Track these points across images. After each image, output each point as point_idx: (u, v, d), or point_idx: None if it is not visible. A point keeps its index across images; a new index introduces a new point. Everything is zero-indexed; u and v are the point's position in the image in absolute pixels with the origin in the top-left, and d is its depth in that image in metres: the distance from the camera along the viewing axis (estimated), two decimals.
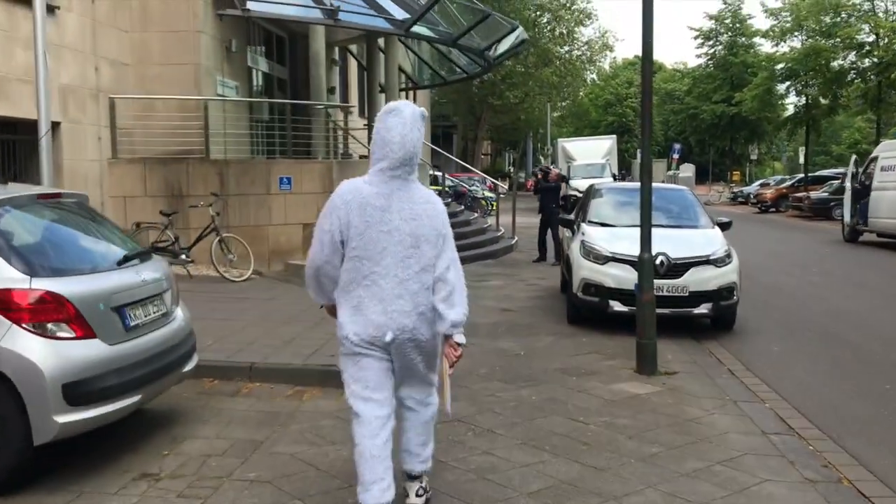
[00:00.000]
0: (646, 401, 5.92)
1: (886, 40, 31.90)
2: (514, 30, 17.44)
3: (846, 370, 7.23)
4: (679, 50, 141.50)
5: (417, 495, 3.87)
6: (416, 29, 15.48)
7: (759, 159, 61.17)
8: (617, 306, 8.29)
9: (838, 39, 33.56)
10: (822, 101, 36.70)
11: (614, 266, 8.36)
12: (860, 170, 20.17)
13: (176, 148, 12.02)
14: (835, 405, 6.13)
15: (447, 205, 17.25)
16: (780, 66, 39.33)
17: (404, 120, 3.51)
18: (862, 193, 19.27)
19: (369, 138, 16.44)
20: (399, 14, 15.23)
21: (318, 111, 14.09)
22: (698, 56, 59.84)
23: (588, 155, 37.31)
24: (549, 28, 42.71)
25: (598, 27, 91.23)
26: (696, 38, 57.36)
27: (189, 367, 5.13)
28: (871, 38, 33.60)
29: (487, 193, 27.21)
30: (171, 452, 4.69)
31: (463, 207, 19.72)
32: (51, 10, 10.55)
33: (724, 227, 9.46)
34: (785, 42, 38.79)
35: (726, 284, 8.39)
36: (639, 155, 45.15)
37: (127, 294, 4.50)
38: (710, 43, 56.99)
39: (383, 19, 14.93)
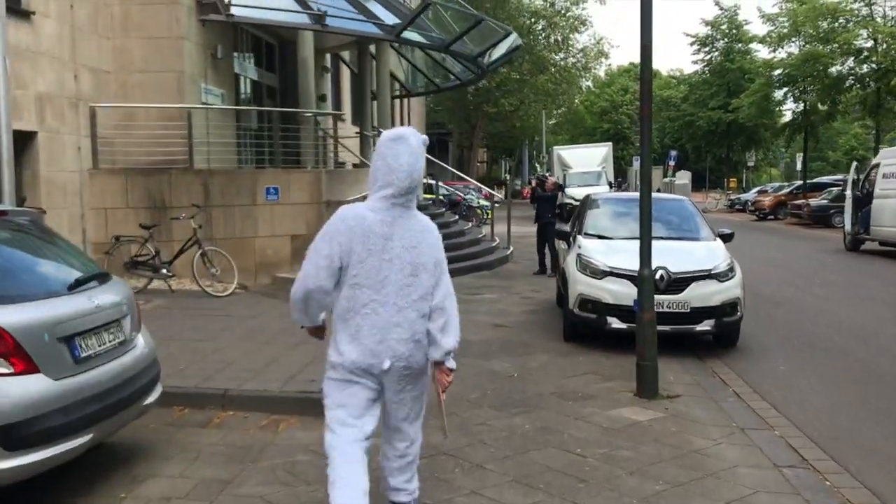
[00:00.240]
0: (647, 429, 5.52)
1: (885, 46, 31.62)
2: (507, 36, 17.13)
3: (857, 390, 6.84)
4: (675, 56, 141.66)
5: None
6: (408, 35, 15.14)
7: (756, 166, 60.84)
8: (615, 323, 7.89)
9: (836, 45, 33.19)
10: (821, 107, 36.37)
11: (612, 281, 7.95)
12: (861, 177, 19.82)
13: (159, 158, 11.68)
14: (849, 431, 5.73)
15: (441, 214, 17.03)
16: (777, 72, 38.98)
17: (412, 149, 3.46)
18: (863, 201, 18.88)
19: (361, 147, 16.04)
20: (389, 19, 14.92)
21: (306, 119, 13.73)
22: (694, 62, 59.23)
23: (584, 163, 37.04)
24: (543, 35, 42.50)
25: (594, 34, 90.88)
26: (692, 44, 56.93)
27: (151, 399, 4.70)
28: (870, 43, 33.25)
29: (483, 202, 26.83)
30: (129, 496, 4.26)
31: (457, 217, 19.32)
32: (26, 15, 10.18)
33: (726, 238, 9.05)
34: (782, 48, 38.41)
35: (729, 300, 7.98)
36: (635, 162, 44.97)
37: (77, 322, 4.07)
38: (707, 49, 56.55)
39: (373, 24, 14.60)
